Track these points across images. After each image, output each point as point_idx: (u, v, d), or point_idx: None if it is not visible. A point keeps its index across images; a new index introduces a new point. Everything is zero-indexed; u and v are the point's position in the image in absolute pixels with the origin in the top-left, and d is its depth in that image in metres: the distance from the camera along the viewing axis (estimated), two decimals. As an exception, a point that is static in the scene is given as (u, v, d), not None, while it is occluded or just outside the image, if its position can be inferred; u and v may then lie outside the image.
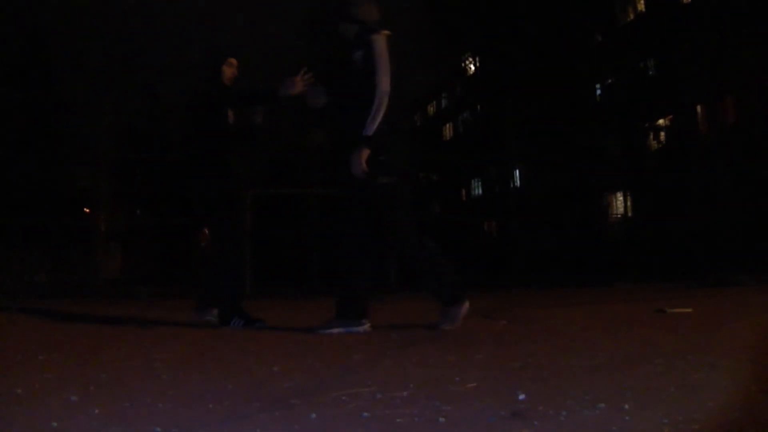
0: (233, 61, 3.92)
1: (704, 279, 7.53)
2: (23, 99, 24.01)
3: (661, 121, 20.69)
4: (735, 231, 14.82)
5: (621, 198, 22.48)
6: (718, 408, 1.51)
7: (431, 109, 38.33)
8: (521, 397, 1.62)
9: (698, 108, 18.81)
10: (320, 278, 15.42)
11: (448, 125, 35.87)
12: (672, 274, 9.70)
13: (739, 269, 7.97)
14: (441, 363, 2.25)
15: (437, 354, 2.46)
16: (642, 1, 21.53)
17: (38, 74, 25.49)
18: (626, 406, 1.50)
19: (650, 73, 20.90)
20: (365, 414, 1.50)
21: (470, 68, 33.17)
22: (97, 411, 1.56)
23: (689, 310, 3.98)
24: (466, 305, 3.32)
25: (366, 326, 3.32)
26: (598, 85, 23.54)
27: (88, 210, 27.04)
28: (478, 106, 31.69)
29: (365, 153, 3.20)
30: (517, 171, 28.04)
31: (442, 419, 1.45)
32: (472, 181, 33.11)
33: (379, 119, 3.20)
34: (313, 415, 1.49)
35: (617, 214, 22.62)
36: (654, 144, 20.92)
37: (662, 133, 20.62)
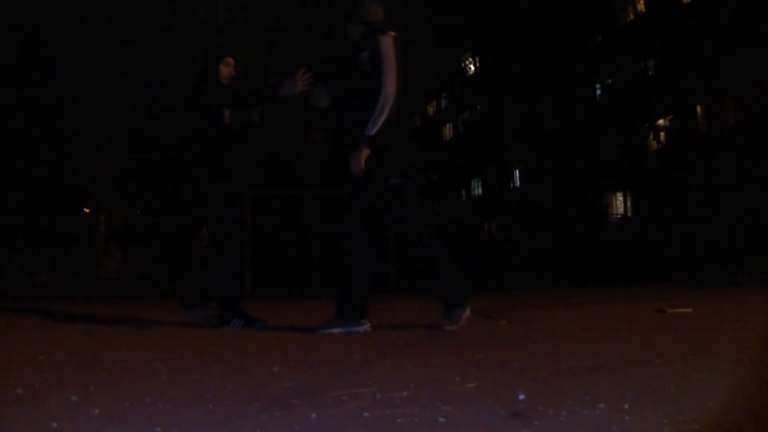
0: (230, 60, 3.90)
1: (704, 279, 7.52)
2: (23, 99, 24.01)
3: (661, 121, 20.69)
4: (735, 231, 14.81)
5: (621, 198, 22.48)
6: (718, 408, 1.51)
7: (431, 109, 38.33)
8: (521, 397, 1.62)
9: (698, 108, 18.81)
10: (320, 278, 15.41)
11: (448, 125, 35.86)
12: (672, 274, 9.69)
13: (739, 269, 7.96)
14: (441, 363, 2.25)
15: (437, 354, 2.46)
16: (642, 1, 21.53)
17: (38, 74, 25.48)
18: (626, 406, 1.50)
19: (650, 73, 20.90)
20: (365, 414, 1.50)
21: (470, 68, 33.17)
22: (97, 411, 1.56)
23: (689, 310, 3.97)
24: (468, 311, 3.33)
25: (366, 326, 3.32)
26: (598, 85, 23.54)
27: (88, 210, 27.05)
28: (478, 106, 31.68)
29: (365, 153, 3.20)
30: (517, 171, 28.13)
31: (442, 419, 1.45)
32: (472, 181, 33.11)
33: (381, 120, 3.19)
34: (313, 415, 1.49)
35: (617, 214, 22.62)
36: (654, 144, 20.91)
37: (662, 133, 20.61)
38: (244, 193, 7.50)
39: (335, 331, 3.25)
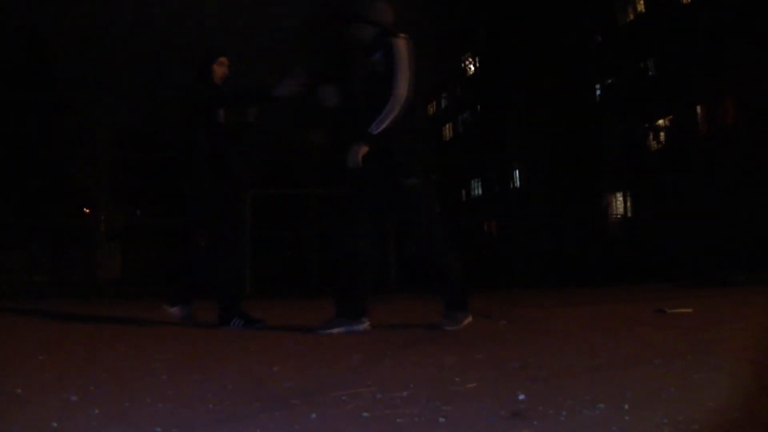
0: (224, 60, 3.88)
1: (704, 279, 7.53)
2: (23, 99, 24.03)
3: (661, 121, 20.69)
4: (735, 231, 14.82)
5: (621, 198, 22.49)
6: (718, 408, 1.51)
7: (431, 109, 38.34)
8: (521, 397, 1.62)
9: (698, 108, 18.81)
10: (320, 278, 15.42)
11: (448, 125, 35.86)
12: (672, 274, 9.70)
13: (739, 269, 7.96)
14: (441, 363, 2.25)
15: (437, 354, 2.46)
16: (642, 2, 21.53)
17: (38, 74, 25.50)
18: (626, 406, 1.50)
19: (650, 73, 20.91)
20: (365, 414, 1.50)
21: (470, 68, 33.17)
22: (97, 411, 1.56)
23: (689, 310, 3.97)
24: (470, 318, 3.33)
25: (366, 324, 3.32)
26: (598, 85, 23.55)
27: (88, 210, 27.04)
28: (478, 106, 31.70)
29: (364, 149, 3.20)
30: (517, 171, 28.13)
31: (442, 419, 1.45)
32: (472, 181, 33.12)
33: (388, 121, 3.19)
34: (313, 415, 1.49)
35: (617, 214, 22.63)
36: (654, 144, 20.92)
37: (662, 133, 20.62)
38: (244, 193, 7.50)
39: (335, 331, 3.25)
